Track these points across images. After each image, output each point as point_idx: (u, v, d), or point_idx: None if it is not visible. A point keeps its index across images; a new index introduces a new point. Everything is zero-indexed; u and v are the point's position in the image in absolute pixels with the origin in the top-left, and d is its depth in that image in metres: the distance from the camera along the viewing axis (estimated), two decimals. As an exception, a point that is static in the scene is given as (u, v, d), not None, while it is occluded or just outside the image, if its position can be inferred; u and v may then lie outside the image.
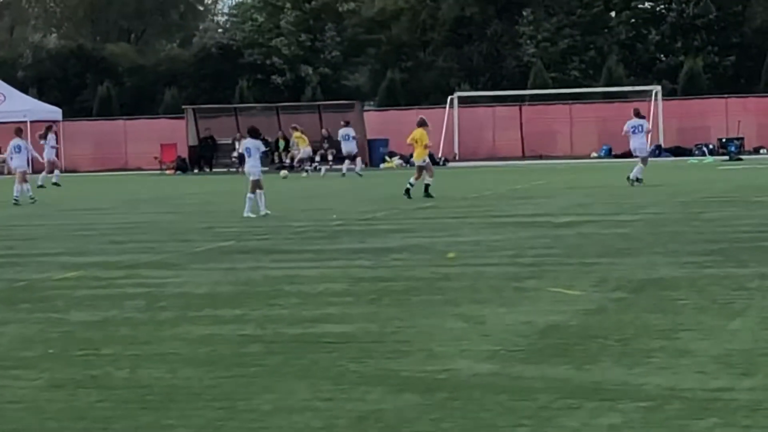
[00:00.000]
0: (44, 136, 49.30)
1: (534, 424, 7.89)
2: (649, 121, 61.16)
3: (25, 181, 35.99)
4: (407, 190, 31.51)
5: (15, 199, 34.62)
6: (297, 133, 54.79)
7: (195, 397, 8.93)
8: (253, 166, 26.74)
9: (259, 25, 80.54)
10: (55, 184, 46.84)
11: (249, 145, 27.27)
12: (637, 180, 34.18)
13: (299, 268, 16.51)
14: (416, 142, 32.74)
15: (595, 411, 8.21)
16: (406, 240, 20.12)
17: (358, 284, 14.56)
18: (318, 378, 9.36)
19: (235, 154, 56.09)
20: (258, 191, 26.19)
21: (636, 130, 36.26)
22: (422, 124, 33.61)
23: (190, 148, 62.54)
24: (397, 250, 18.49)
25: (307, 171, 52.94)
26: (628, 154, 60.34)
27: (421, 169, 32.31)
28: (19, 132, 38.59)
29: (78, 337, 11.46)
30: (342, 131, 52.49)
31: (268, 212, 26.17)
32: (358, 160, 52.50)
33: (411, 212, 27.11)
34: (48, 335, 11.64)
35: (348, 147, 52.10)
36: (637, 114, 37.14)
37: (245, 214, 25.95)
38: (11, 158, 37.68)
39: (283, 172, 50.40)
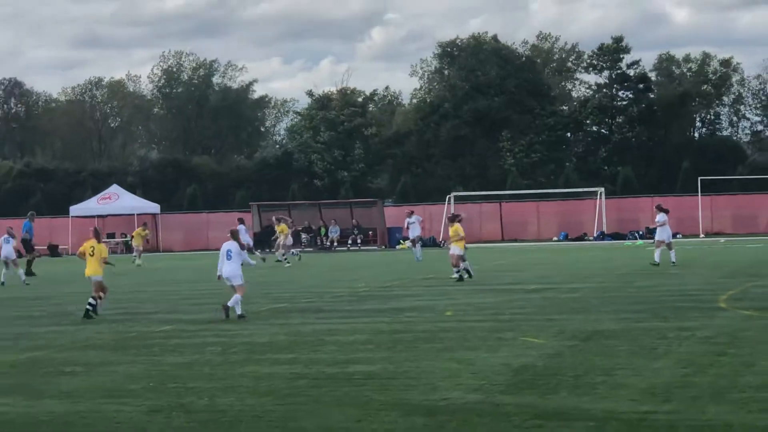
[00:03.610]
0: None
1: (509, 439, 7.90)
2: (594, 214, 61.49)
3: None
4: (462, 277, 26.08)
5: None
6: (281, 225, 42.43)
7: (257, 419, 8.96)
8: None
9: (305, 141, 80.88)
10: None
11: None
12: (673, 263, 30.32)
13: (336, 323, 16.52)
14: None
15: (555, 429, 8.21)
16: (415, 302, 20.08)
17: (379, 335, 14.55)
18: (350, 405, 9.39)
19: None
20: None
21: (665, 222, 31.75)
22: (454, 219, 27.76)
23: (255, 234, 62.57)
24: (408, 309, 18.48)
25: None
26: (581, 238, 60.75)
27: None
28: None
29: (171, 374, 11.50)
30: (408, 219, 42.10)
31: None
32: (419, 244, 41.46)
33: (418, 281, 27.04)
34: (149, 372, 11.69)
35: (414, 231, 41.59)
36: (661, 209, 32.28)
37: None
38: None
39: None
